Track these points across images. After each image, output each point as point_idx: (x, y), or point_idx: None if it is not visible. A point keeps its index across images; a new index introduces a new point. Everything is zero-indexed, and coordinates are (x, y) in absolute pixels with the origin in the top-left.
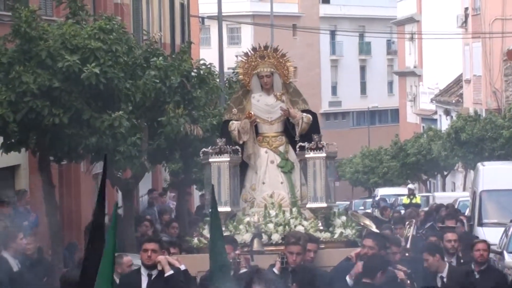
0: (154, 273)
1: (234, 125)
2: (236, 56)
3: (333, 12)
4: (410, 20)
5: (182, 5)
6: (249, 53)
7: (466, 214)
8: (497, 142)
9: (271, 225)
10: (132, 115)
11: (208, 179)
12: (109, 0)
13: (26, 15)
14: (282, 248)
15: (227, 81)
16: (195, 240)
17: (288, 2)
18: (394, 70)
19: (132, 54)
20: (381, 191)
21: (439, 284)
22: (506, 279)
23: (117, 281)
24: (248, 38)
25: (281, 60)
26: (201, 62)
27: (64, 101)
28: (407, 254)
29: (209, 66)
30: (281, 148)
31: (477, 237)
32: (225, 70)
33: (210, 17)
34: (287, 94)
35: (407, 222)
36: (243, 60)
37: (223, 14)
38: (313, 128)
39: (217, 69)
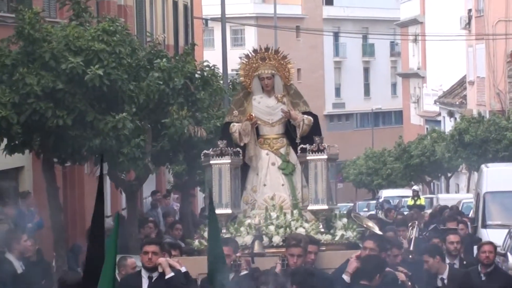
0: (155, 275)
1: (235, 127)
2: (240, 58)
3: (336, 14)
4: (414, 21)
5: (185, 6)
6: (250, 55)
7: (470, 216)
8: (500, 143)
9: (272, 227)
10: (136, 116)
11: (209, 181)
12: (113, 2)
13: (29, 17)
14: (283, 250)
15: (230, 83)
16: (196, 242)
17: (292, 3)
18: (398, 72)
19: (136, 56)
20: (385, 193)
21: (439, 285)
22: None
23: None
24: (251, 39)
25: (282, 62)
26: (205, 63)
27: (68, 103)
28: (410, 256)
29: (212, 67)
30: (282, 150)
31: (480, 239)
32: (229, 71)
33: (213, 19)
34: (288, 96)
35: (409, 224)
36: (244, 62)
37: (226, 16)
38: (314, 130)
39: (220, 70)
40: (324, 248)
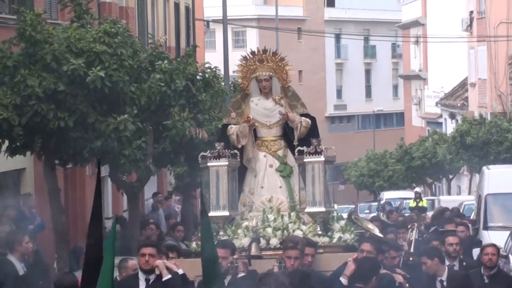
0: (152, 277)
1: (232, 129)
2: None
3: (338, 16)
4: (415, 23)
5: (187, 8)
6: (248, 57)
7: (471, 217)
8: (502, 145)
9: (269, 230)
10: (137, 118)
11: (207, 183)
12: (114, 4)
13: (31, 19)
14: (280, 252)
15: (232, 85)
16: (194, 244)
17: (293, 5)
18: (399, 74)
19: (137, 58)
20: (386, 195)
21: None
22: None
23: None
24: (253, 41)
25: (280, 64)
26: (206, 65)
27: (69, 104)
28: (411, 259)
29: (214, 69)
30: (280, 152)
31: (481, 241)
32: (230, 73)
33: (215, 21)
34: (285, 98)
35: (408, 226)
36: (242, 63)
37: (228, 17)
38: (312, 132)
39: (222, 72)
40: (321, 251)
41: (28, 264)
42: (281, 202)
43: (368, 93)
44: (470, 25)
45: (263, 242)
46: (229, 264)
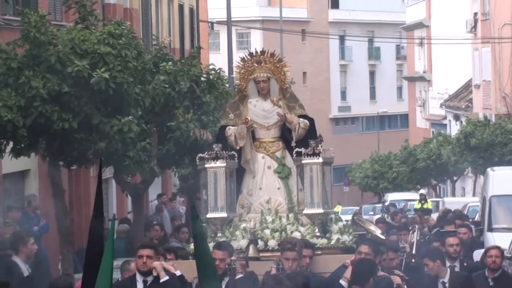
0: (150, 279)
1: (230, 131)
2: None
3: (342, 17)
4: (420, 25)
5: (191, 10)
6: (246, 58)
7: (476, 219)
8: (507, 147)
9: (267, 231)
10: (142, 120)
11: (205, 185)
12: (118, 5)
13: (35, 20)
14: (278, 254)
15: (236, 86)
16: (191, 246)
17: (297, 7)
18: (404, 75)
19: (142, 59)
20: (391, 196)
21: None
22: None
23: None
24: (257, 43)
25: (277, 65)
26: (211, 67)
27: (74, 106)
28: (413, 260)
29: (218, 71)
30: (278, 154)
31: (482, 243)
32: (234, 75)
33: (219, 22)
34: (284, 99)
35: (410, 228)
36: (240, 65)
37: (232, 19)
38: (311, 133)
39: (226, 74)
40: (319, 252)
41: (32, 266)
42: (279, 203)
43: (373, 95)
44: (475, 26)
45: (261, 243)
46: (227, 266)
